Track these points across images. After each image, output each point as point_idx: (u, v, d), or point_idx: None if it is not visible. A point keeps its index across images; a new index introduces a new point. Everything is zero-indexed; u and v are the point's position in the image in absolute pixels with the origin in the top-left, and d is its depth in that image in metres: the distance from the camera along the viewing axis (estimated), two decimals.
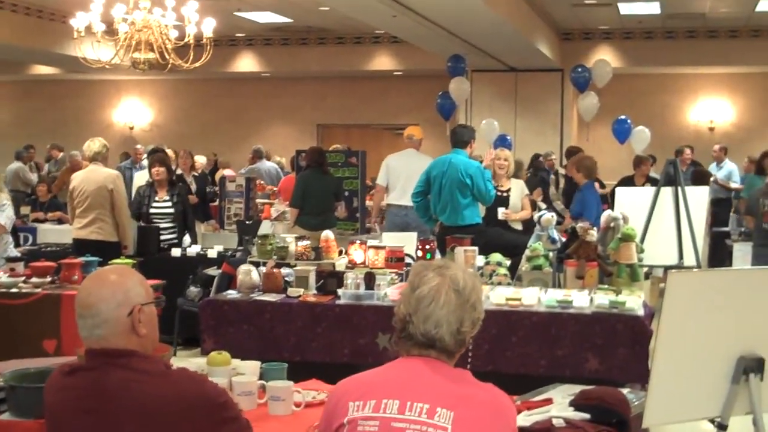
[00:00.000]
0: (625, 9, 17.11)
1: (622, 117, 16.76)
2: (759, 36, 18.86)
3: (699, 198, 7.79)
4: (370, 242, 6.83)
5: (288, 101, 22.54)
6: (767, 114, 20.32)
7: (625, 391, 3.75)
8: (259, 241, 7.04)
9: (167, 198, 9.63)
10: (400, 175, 10.55)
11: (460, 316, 2.70)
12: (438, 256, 6.78)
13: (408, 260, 6.63)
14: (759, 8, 16.72)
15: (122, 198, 9.19)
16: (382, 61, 20.60)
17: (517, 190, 9.41)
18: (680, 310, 3.02)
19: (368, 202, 12.30)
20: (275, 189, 13.41)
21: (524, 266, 6.43)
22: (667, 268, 6.73)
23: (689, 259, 7.48)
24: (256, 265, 6.53)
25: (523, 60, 18.02)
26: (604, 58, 17.92)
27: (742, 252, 10.31)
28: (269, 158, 16.73)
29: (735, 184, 15.49)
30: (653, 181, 12.62)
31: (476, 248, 6.60)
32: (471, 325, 2.74)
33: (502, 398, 2.66)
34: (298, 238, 6.86)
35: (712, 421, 3.20)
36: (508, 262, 6.59)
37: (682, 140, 18.97)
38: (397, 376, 2.69)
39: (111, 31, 11.20)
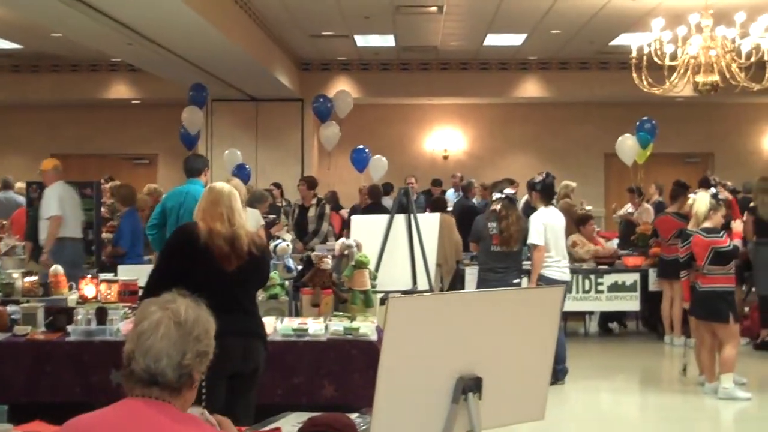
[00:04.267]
0: (361, 41, 17.55)
1: (360, 146, 17.16)
2: (487, 69, 19.82)
3: (431, 225, 8.08)
4: (103, 276, 6.64)
5: (19, 130, 21.60)
6: (496, 143, 21.36)
7: (354, 416, 3.81)
8: None
9: None
10: (71, 206, 10.31)
11: (182, 349, 2.65)
12: None
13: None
14: (486, 42, 17.59)
15: None
16: (120, 90, 20.15)
17: (253, 220, 9.41)
18: (401, 335, 3.10)
19: (105, 234, 11.90)
20: (5, 222, 12.76)
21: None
22: (403, 293, 6.93)
23: (423, 284, 7.73)
24: None
25: (263, 90, 18.11)
26: (343, 88, 18.28)
27: (473, 276, 10.73)
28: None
29: None
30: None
31: None
32: (196, 357, 2.69)
33: None
34: (26, 274, 6.58)
35: None
36: None
37: (419, 168, 19.68)
38: (118, 419, 2.61)
39: None
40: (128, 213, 10.53)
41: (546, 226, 9.14)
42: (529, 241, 9.11)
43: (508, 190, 9.36)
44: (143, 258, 10.03)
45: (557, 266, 9.26)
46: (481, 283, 9.29)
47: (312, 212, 12.32)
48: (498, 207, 9.12)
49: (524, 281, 9.88)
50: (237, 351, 4.68)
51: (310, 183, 12.75)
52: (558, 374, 9.35)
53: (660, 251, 11.58)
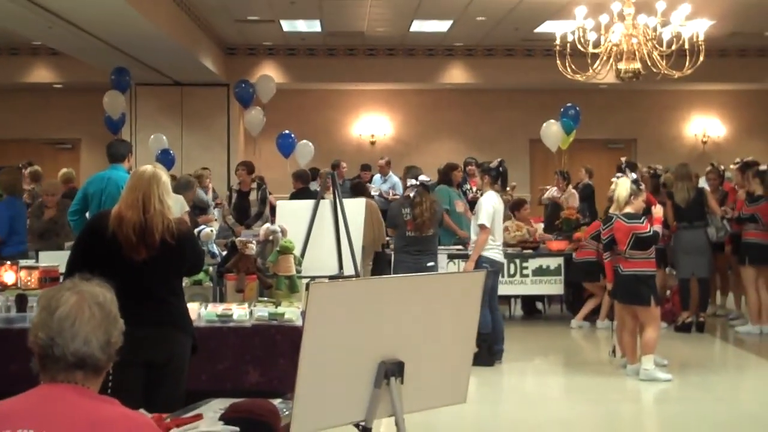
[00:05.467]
0: (287, 26, 17.47)
1: (286, 132, 17.08)
2: (414, 55, 19.87)
3: (356, 210, 8.08)
4: (23, 263, 6.53)
5: None
6: (422, 128, 21.41)
7: (277, 401, 3.81)
8: None
9: None
10: None
11: (107, 329, 2.64)
12: None
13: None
14: (413, 28, 17.63)
15: None
16: (41, 74, 19.77)
17: (177, 206, 9.32)
18: (322, 320, 3.10)
19: None
20: None
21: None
22: (330, 278, 6.92)
23: (349, 269, 7.73)
24: None
25: (187, 74, 17.92)
26: (269, 73, 18.17)
27: None
28: None
29: (397, 195, 16.17)
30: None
31: None
32: (119, 336, 2.69)
33: (145, 426, 2.61)
34: None
35: (357, 425, 3.30)
36: None
37: (346, 154, 19.63)
38: (36, 404, 2.57)
39: None
40: (7, 200, 10.19)
41: (495, 209, 9.34)
42: (479, 221, 9.31)
43: (423, 177, 9.63)
44: (26, 246, 9.80)
45: (499, 249, 9.51)
46: (397, 264, 9.74)
47: (253, 196, 12.47)
48: (413, 194, 9.44)
49: (445, 263, 10.11)
50: (144, 340, 4.48)
51: (250, 168, 12.97)
52: (497, 355, 9.52)
53: (579, 242, 11.75)
